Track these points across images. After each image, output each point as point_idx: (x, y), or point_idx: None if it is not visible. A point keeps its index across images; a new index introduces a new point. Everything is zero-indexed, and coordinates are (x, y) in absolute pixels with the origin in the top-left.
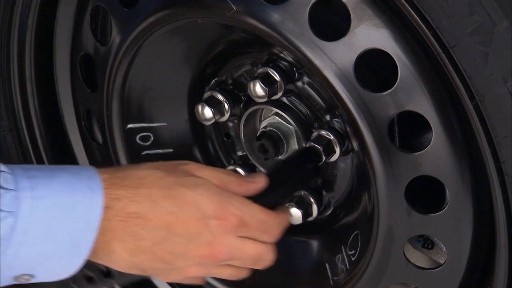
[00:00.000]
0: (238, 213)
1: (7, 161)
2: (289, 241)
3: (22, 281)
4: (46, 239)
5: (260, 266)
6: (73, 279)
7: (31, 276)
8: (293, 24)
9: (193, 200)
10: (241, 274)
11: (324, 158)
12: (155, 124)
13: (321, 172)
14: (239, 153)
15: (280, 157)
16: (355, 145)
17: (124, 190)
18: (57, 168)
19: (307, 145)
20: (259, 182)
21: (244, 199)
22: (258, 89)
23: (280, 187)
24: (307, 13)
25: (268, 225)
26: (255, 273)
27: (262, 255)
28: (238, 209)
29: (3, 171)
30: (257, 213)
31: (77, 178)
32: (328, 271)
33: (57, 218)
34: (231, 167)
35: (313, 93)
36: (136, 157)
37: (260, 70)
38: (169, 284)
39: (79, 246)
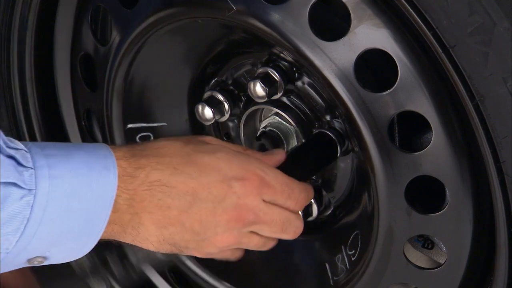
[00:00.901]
0: (259, 172)
1: None
2: (289, 241)
3: (35, 263)
4: (62, 218)
5: (290, 234)
6: None
7: (44, 258)
8: (293, 24)
9: (213, 164)
10: (268, 244)
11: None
12: (155, 124)
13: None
14: None
15: None
16: (355, 145)
17: (146, 159)
18: (73, 146)
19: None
20: (278, 155)
21: (264, 162)
22: (258, 89)
23: (299, 165)
24: (307, 13)
25: (291, 189)
26: (255, 272)
27: (290, 221)
28: (259, 168)
29: (20, 149)
30: (279, 175)
31: (93, 156)
32: (328, 271)
33: (74, 197)
34: None
35: (313, 93)
36: None
37: (260, 70)
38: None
39: (94, 225)
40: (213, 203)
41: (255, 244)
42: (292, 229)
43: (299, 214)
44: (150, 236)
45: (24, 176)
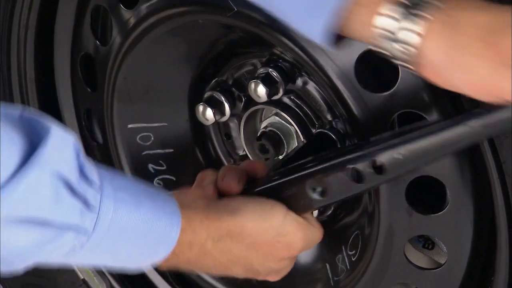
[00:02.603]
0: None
1: None
2: None
3: None
4: (108, 258)
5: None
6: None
7: None
8: None
9: (260, 274)
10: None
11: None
12: (155, 124)
13: None
14: (240, 153)
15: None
16: None
17: (211, 260)
18: (143, 194)
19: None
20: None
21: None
22: (259, 89)
23: None
24: None
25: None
26: None
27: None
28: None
29: (94, 183)
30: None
31: (160, 211)
32: (329, 271)
33: (126, 246)
34: None
35: (314, 93)
36: (136, 157)
37: (260, 70)
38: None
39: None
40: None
41: None
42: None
43: None
44: None
45: (86, 222)
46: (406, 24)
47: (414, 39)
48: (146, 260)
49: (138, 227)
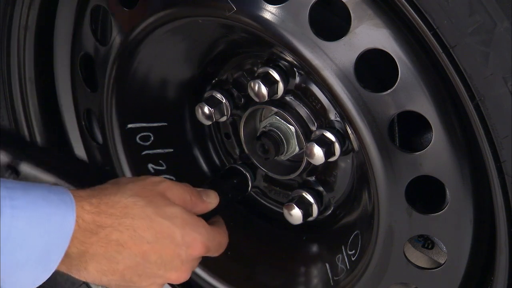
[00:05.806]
0: (205, 241)
1: None
2: (289, 240)
3: None
4: (22, 247)
5: None
6: None
7: None
8: (293, 24)
9: (169, 231)
10: None
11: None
12: (155, 124)
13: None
14: (239, 153)
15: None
16: (355, 145)
17: (110, 220)
18: (32, 183)
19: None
20: (212, 203)
21: (207, 226)
22: (259, 89)
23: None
24: (308, 13)
25: (223, 245)
26: (255, 273)
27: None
28: (205, 237)
29: None
30: (217, 237)
31: (52, 192)
32: (328, 271)
33: (34, 228)
34: None
35: (314, 92)
36: (136, 157)
37: (260, 70)
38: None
39: (50, 258)
40: (158, 265)
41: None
42: None
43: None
44: (89, 278)
45: None
46: None
47: None
48: (58, 246)
49: (37, 210)
